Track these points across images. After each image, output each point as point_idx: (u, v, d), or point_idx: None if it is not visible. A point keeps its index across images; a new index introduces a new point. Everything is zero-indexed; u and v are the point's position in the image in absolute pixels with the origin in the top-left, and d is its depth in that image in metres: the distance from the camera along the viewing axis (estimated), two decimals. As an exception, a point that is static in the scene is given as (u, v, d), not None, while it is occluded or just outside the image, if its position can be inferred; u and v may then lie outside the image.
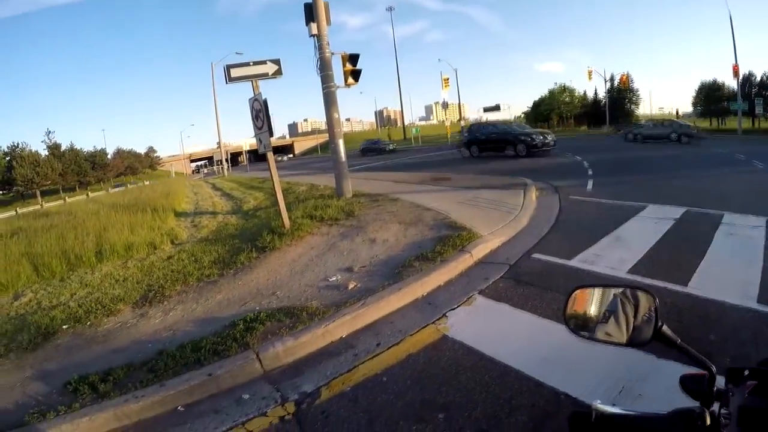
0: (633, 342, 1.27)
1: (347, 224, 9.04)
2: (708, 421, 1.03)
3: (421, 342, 4.48)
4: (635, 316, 1.29)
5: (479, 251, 6.94)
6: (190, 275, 6.82)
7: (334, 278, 6.08)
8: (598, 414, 1.12)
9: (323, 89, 12.53)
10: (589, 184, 13.82)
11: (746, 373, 1.14)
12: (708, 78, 73.11)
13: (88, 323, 5.51)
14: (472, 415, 3.28)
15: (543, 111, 72.71)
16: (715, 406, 1.09)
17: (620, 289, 1.36)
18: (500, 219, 8.84)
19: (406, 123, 74.41)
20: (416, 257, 6.59)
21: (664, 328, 1.24)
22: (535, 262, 6.63)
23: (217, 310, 5.46)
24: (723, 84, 60.15)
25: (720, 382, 1.17)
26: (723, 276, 5.96)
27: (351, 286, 5.73)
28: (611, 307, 1.35)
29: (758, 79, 54.96)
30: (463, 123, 76.72)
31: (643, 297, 1.30)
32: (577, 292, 1.42)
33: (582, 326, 1.38)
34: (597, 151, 27.01)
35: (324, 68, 12.33)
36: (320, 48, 12.25)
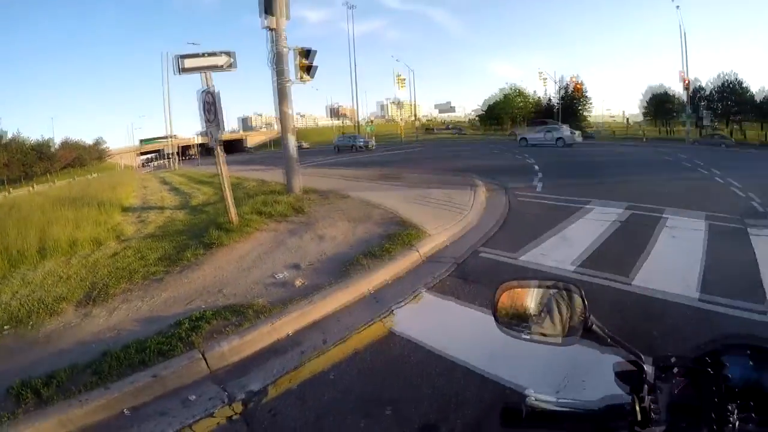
0: (566, 339, 1.27)
1: (296, 221, 9.00)
2: (638, 413, 1.07)
3: (368, 338, 4.54)
4: (566, 312, 1.29)
5: (427, 248, 7.03)
6: (135, 273, 6.65)
7: (281, 275, 6.05)
8: (529, 408, 1.14)
9: (277, 84, 12.39)
10: (539, 185, 14.16)
11: (673, 360, 1.18)
12: (654, 82, 75.68)
13: (30, 324, 5.33)
14: (419, 410, 3.34)
15: (497, 113, 73.52)
16: (646, 397, 1.12)
17: (551, 285, 1.34)
18: (449, 217, 8.96)
19: (359, 120, 73.88)
20: (364, 254, 6.61)
21: (594, 322, 1.25)
22: (482, 260, 6.77)
23: (163, 308, 5.36)
24: (673, 96, 63.00)
25: (652, 372, 1.19)
26: (666, 271, 6.22)
27: (298, 283, 5.72)
28: (543, 304, 1.33)
29: (707, 92, 58.34)
30: (417, 122, 77.15)
31: (572, 292, 1.29)
32: (507, 289, 1.38)
33: (515, 324, 1.35)
34: (538, 154, 27.61)
35: (278, 62, 12.19)
36: (276, 42, 12.10)
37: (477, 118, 78.74)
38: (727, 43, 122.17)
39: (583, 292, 1.25)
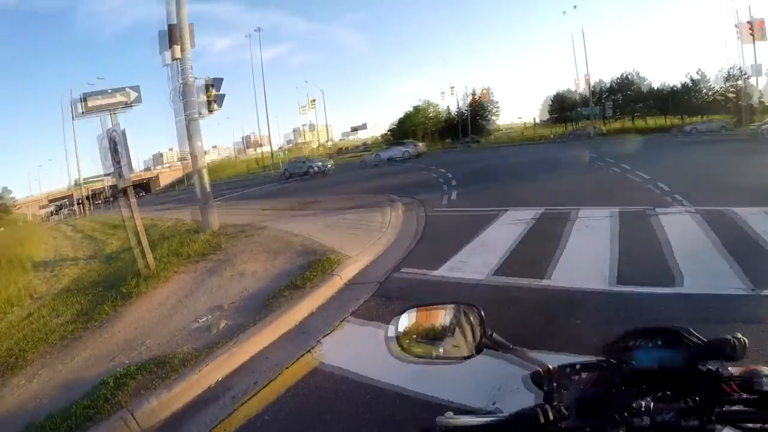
0: (469, 355, 1.32)
1: (215, 259, 8.87)
2: (543, 418, 1.09)
3: (299, 373, 4.56)
4: (468, 330, 1.33)
5: (348, 273, 7.14)
6: (52, 333, 6.41)
7: (204, 319, 5.98)
8: (442, 428, 1.14)
9: (185, 117, 12.05)
10: (452, 195, 14.58)
11: (578, 366, 1.23)
12: (557, 85, 79.27)
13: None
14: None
15: (408, 128, 74.51)
16: (554, 396, 1.19)
17: (450, 306, 1.39)
18: (367, 238, 9.11)
19: (273, 147, 72.63)
20: (286, 286, 6.63)
21: (495, 335, 1.31)
22: (404, 277, 6.94)
23: (85, 369, 5.19)
24: (568, 91, 66.72)
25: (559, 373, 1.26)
26: (580, 265, 6.61)
27: (222, 324, 5.68)
28: (444, 325, 1.37)
29: (608, 84, 62.51)
30: (330, 144, 77.02)
31: (469, 310, 1.35)
32: (408, 313, 1.41)
33: (420, 347, 1.38)
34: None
35: (186, 94, 11.87)
36: (183, 72, 11.82)
37: (389, 134, 79.17)
38: (630, 47, 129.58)
39: (481, 310, 1.33)
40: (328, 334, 5.33)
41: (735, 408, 1.09)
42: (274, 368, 4.70)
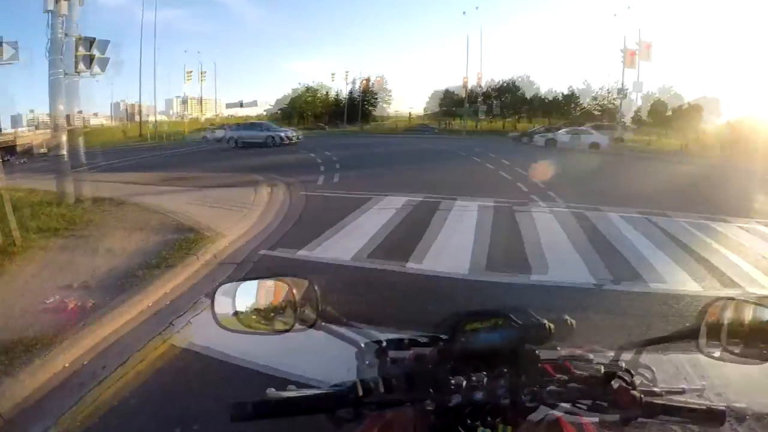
0: (298, 328, 1.30)
1: (69, 234, 8.24)
2: (362, 391, 1.11)
3: (151, 356, 4.39)
4: (300, 304, 1.31)
5: (208, 252, 6.95)
6: None
7: (52, 299, 5.51)
8: (258, 401, 1.13)
9: (50, 75, 10.99)
10: (335, 177, 14.61)
11: (407, 342, 1.29)
12: (450, 80, 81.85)
13: None
14: (211, 422, 3.31)
15: (297, 107, 73.08)
16: (377, 371, 1.24)
17: (287, 280, 1.36)
18: (241, 217, 8.96)
19: (146, 117, 67.54)
20: (143, 266, 6.33)
21: (329, 309, 1.32)
22: (266, 258, 6.89)
23: None
24: (465, 95, 68.41)
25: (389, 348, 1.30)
26: (453, 253, 6.88)
27: (71, 305, 5.29)
28: (279, 299, 1.36)
29: (497, 85, 66.82)
30: (216, 118, 74.04)
31: (303, 285, 1.34)
32: (229, 288, 1.38)
33: (249, 321, 1.36)
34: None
35: (53, 51, 10.80)
36: (53, 27, 10.66)
37: (279, 113, 77.14)
38: (524, 52, 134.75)
39: (315, 284, 1.33)
40: (182, 315, 5.17)
41: (556, 388, 1.14)
42: (126, 351, 4.47)
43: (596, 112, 57.14)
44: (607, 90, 58.59)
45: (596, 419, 1.24)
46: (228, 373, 3.88)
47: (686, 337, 1.27)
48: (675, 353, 4.05)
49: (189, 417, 3.43)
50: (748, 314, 1.24)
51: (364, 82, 73.17)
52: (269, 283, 1.38)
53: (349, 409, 1.12)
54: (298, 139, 35.30)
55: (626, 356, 1.28)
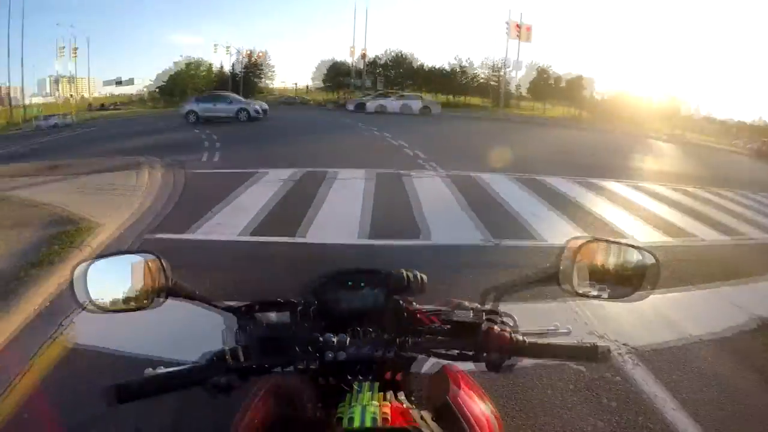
0: (153, 303, 1.30)
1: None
2: (231, 359, 1.15)
3: (49, 359, 4.22)
4: (150, 279, 1.31)
5: (93, 243, 6.66)
6: None
7: None
8: (134, 381, 1.14)
9: None
10: (216, 156, 14.34)
11: (255, 308, 1.32)
12: (336, 54, 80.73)
13: None
14: (96, 416, 3.29)
15: (178, 84, 69.43)
16: (245, 341, 1.23)
17: (130, 253, 1.36)
18: (121, 203, 8.61)
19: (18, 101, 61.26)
20: (27, 264, 5.91)
21: (179, 282, 1.32)
22: (156, 243, 6.70)
23: None
24: (352, 66, 69.29)
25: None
26: (336, 223, 7.11)
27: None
28: (131, 275, 1.34)
29: (383, 60, 68.16)
30: (89, 98, 69.36)
31: (150, 260, 1.33)
32: (85, 267, 1.32)
33: (103, 300, 1.32)
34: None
35: None
36: None
37: (157, 91, 72.90)
38: (409, 27, 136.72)
39: (161, 259, 1.32)
40: (69, 315, 4.88)
41: (429, 337, 1.22)
42: (23, 359, 4.19)
43: (487, 82, 62.80)
44: (493, 62, 63.26)
45: (473, 366, 1.26)
46: (114, 363, 3.87)
47: (548, 279, 1.33)
48: (543, 299, 4.54)
49: (81, 409, 3.39)
50: (605, 254, 1.33)
51: (247, 53, 71.76)
52: (121, 259, 1.37)
53: (223, 378, 1.15)
54: (266, 113, 32.59)
55: (495, 305, 1.35)
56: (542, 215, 8.92)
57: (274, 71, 76.47)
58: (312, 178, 10.31)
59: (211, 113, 30.38)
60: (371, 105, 41.29)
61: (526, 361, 1.25)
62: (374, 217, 7.51)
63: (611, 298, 1.36)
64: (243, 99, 35.18)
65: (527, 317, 1.39)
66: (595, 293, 1.34)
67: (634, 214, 9.93)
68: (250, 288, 4.94)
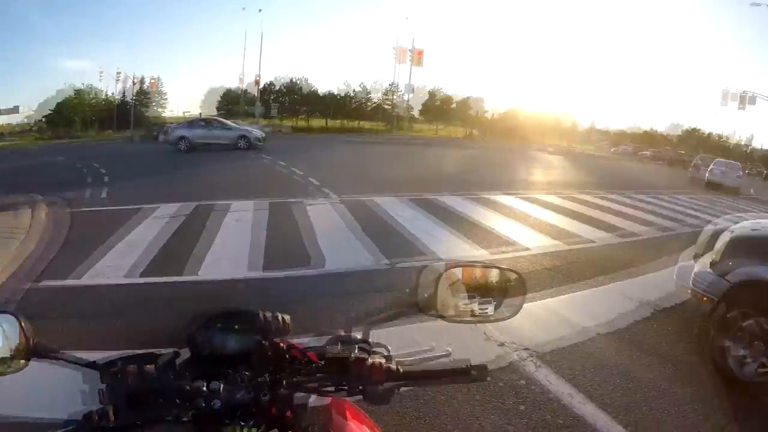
0: (5, 372, 1.17)
1: None
2: (98, 419, 1.07)
3: None
4: (4, 342, 1.18)
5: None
6: None
7: None
8: None
9: None
10: (103, 192, 13.63)
11: (111, 364, 1.19)
12: (225, 81, 79.24)
13: None
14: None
15: (66, 114, 64.90)
16: (111, 399, 1.13)
17: None
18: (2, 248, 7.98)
19: None
20: None
21: (39, 341, 1.19)
22: (32, 293, 6.08)
23: None
24: (238, 89, 69.84)
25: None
26: (230, 257, 6.89)
27: None
28: None
29: (277, 87, 68.79)
30: None
31: (5, 320, 1.19)
32: None
33: None
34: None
35: None
36: None
37: (43, 120, 67.57)
38: (304, 54, 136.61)
39: (20, 318, 1.19)
40: None
41: (302, 375, 1.21)
42: None
43: (380, 106, 65.08)
44: (383, 86, 67.06)
45: (357, 397, 1.25)
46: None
47: (414, 305, 1.33)
48: (419, 322, 4.59)
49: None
50: (471, 276, 1.36)
51: (138, 82, 68.23)
52: None
53: None
54: (264, 140, 29.46)
55: (367, 334, 1.33)
56: (435, 233, 9.27)
57: (166, 99, 73.87)
58: (203, 210, 10.04)
59: (206, 140, 27.81)
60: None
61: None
62: (267, 249, 7.41)
63: (478, 318, 1.38)
64: (237, 125, 32.20)
65: (412, 339, 1.39)
66: (460, 317, 1.35)
67: (524, 224, 10.60)
68: (134, 334, 4.66)
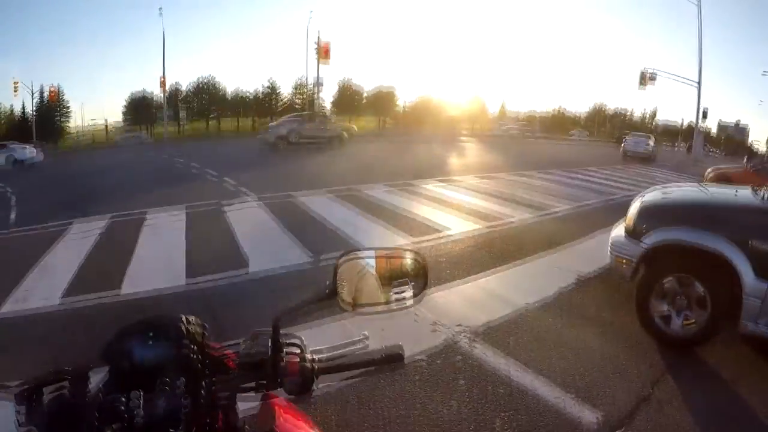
0: None
1: None
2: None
3: None
4: None
5: None
6: None
7: None
8: None
9: None
10: (12, 214, 12.87)
11: (27, 389, 1.13)
12: (139, 88, 74.73)
13: None
14: None
15: None
16: (22, 417, 1.10)
17: None
18: None
19: None
20: None
21: None
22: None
23: None
24: (152, 94, 65.45)
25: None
26: (152, 269, 6.70)
27: None
28: None
29: (184, 91, 66.42)
30: None
31: None
32: None
33: None
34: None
35: None
36: None
37: None
38: (209, 51, 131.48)
39: None
40: None
41: (223, 377, 1.20)
42: None
43: (291, 102, 65.24)
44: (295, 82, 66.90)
45: (285, 397, 1.28)
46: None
47: (324, 298, 1.31)
48: (339, 313, 4.61)
49: None
50: (383, 264, 1.37)
51: (52, 89, 63.08)
52: None
53: None
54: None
55: (293, 330, 1.30)
56: (360, 224, 9.42)
57: (69, 109, 68.70)
58: (121, 223, 9.73)
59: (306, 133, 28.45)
60: None
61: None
62: (189, 256, 7.26)
63: (389, 306, 1.38)
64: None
65: (341, 331, 1.39)
66: (371, 307, 1.36)
67: (448, 209, 10.91)
68: (59, 360, 4.44)
